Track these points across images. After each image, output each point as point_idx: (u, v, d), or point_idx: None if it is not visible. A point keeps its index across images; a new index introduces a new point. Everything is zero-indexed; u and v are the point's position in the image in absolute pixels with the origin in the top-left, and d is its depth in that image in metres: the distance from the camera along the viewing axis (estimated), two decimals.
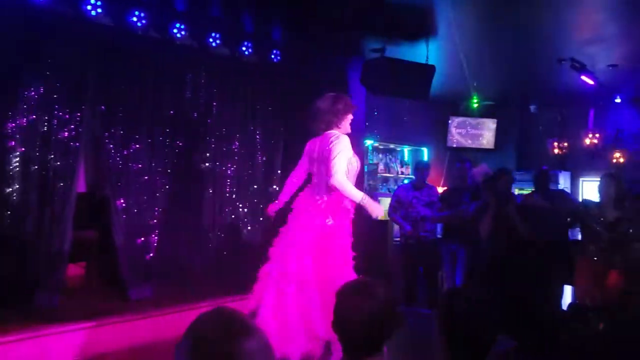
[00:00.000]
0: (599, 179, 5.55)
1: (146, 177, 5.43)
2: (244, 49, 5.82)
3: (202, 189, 5.95)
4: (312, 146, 4.25)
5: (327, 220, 3.97)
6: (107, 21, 4.89)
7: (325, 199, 4.02)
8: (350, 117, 4.15)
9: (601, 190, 5.36)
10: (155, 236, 5.46)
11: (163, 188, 5.61)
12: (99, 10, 4.72)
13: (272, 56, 6.09)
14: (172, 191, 5.69)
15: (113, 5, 4.85)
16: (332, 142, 3.98)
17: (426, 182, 6.42)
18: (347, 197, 3.97)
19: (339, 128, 4.11)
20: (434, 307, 5.40)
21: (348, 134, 4.12)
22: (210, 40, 5.53)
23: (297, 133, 6.55)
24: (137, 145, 5.33)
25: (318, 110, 4.10)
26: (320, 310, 3.80)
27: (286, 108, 6.52)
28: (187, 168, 5.81)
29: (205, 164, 5.95)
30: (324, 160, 4.01)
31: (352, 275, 3.90)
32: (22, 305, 4.47)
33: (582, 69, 6.57)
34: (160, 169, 5.58)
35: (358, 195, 3.95)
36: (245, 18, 5.71)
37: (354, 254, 4.06)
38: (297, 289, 3.89)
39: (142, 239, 5.35)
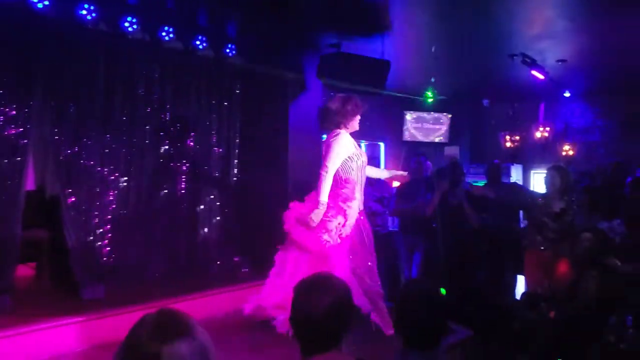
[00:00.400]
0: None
1: (98, 174, 5.30)
2: (197, 42, 5.72)
3: (156, 186, 5.83)
4: (324, 146, 4.54)
5: (329, 214, 4.22)
6: (55, 14, 4.72)
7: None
8: (358, 117, 4.43)
9: (547, 182, 5.51)
10: (108, 234, 5.34)
11: (116, 185, 5.48)
12: (47, 2, 4.56)
13: (227, 50, 6.03)
14: (126, 188, 5.57)
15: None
16: (330, 141, 4.27)
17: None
18: (345, 192, 4.27)
19: (347, 128, 4.38)
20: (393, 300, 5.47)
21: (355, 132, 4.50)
22: (163, 34, 5.42)
23: (253, 128, 6.53)
24: (89, 142, 5.19)
25: (328, 111, 4.34)
26: None
27: (242, 102, 6.47)
28: (141, 164, 5.69)
29: (159, 160, 5.84)
30: (323, 157, 4.31)
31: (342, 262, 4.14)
32: None
33: (533, 64, 6.74)
34: (113, 166, 5.45)
35: (321, 197, 4.18)
36: (200, 11, 5.62)
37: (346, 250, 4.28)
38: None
39: (95, 237, 5.22)
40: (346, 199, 4.28)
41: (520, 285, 6.53)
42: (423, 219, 5.97)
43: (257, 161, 6.51)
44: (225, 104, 6.37)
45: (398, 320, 2.23)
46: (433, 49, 6.38)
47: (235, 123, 6.48)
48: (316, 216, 4.18)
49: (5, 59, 4.56)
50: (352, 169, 4.34)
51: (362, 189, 4.50)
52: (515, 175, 9.68)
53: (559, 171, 5.48)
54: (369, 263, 4.36)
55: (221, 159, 6.35)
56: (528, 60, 6.68)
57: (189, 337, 1.23)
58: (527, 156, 9.84)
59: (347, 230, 4.26)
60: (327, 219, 4.21)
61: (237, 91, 6.46)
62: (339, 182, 4.32)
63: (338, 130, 4.33)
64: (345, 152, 4.28)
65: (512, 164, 9.58)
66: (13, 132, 4.61)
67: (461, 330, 4.43)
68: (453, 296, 5.41)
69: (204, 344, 1.25)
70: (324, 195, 4.19)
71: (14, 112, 4.61)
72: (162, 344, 1.19)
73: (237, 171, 6.46)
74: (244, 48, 6.17)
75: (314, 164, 6.80)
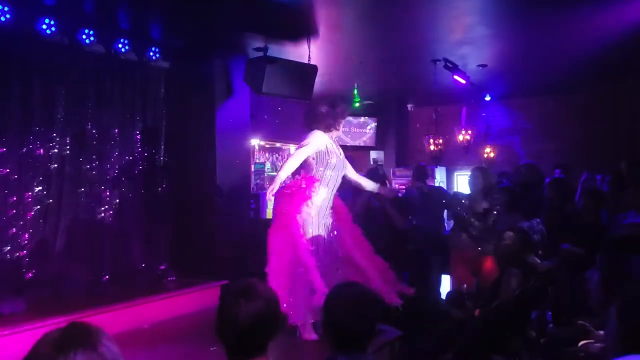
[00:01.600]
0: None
1: (15, 183, 5.05)
2: (120, 46, 5.59)
3: (78, 194, 5.61)
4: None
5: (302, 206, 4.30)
6: None
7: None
8: (344, 120, 4.63)
9: (470, 182, 5.71)
10: (27, 245, 5.10)
11: (34, 194, 5.24)
12: None
13: (151, 54, 5.91)
14: (45, 197, 5.33)
15: None
16: (306, 135, 4.45)
17: None
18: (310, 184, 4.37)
19: (337, 130, 4.56)
20: None
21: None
22: (83, 36, 5.25)
23: (179, 132, 6.41)
24: (4, 149, 4.95)
25: (318, 113, 4.48)
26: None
27: (167, 107, 6.35)
28: (61, 171, 5.46)
29: (80, 167, 5.62)
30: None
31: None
32: None
33: (455, 69, 6.95)
34: (30, 174, 5.21)
35: (281, 173, 4.31)
36: (121, 14, 5.47)
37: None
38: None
39: (13, 249, 4.98)
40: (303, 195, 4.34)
41: (446, 284, 6.72)
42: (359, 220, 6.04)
43: (183, 165, 6.39)
44: (150, 108, 6.23)
45: (325, 324, 2.24)
46: (360, 62, 6.49)
47: (160, 127, 6.35)
48: (269, 191, 4.25)
49: None
50: (319, 167, 4.41)
51: (333, 191, 4.52)
52: (440, 176, 9.97)
53: (482, 172, 5.69)
54: (338, 270, 4.39)
55: (146, 164, 6.20)
56: (450, 65, 6.89)
57: (88, 350, 1.19)
58: (450, 158, 10.15)
59: (307, 231, 4.29)
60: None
61: (162, 95, 6.34)
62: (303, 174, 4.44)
63: (317, 131, 4.46)
64: (318, 145, 4.39)
65: (436, 166, 9.86)
66: None
67: (389, 329, 4.51)
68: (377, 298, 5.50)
69: (108, 357, 1.21)
70: (282, 172, 4.30)
71: None
72: (57, 355, 1.16)
73: (163, 176, 6.32)
74: (169, 51, 6.07)
75: (241, 168, 6.79)
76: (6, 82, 4.98)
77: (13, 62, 5.03)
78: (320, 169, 4.41)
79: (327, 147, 4.45)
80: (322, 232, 4.40)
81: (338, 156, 4.52)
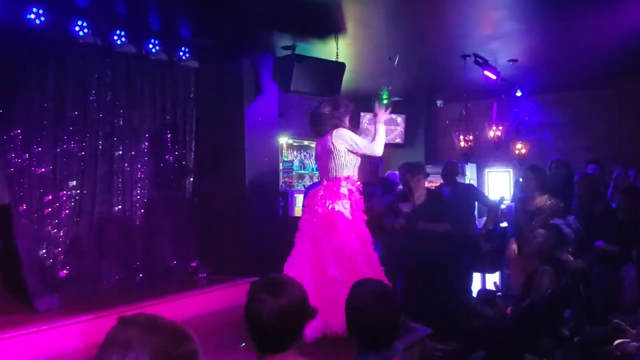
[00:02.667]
0: (505, 170, 5.79)
1: (50, 182, 5.17)
2: (150, 46, 5.67)
3: (110, 192, 5.72)
4: (316, 147, 4.74)
5: (327, 204, 4.33)
6: (2, 18, 4.60)
7: (325, 184, 4.47)
8: (349, 116, 4.61)
9: (523, 182, 5.55)
10: (62, 243, 5.21)
11: (68, 193, 5.36)
12: None
13: (181, 54, 5.98)
14: (79, 195, 5.44)
15: (9, 2, 4.59)
16: (332, 136, 4.43)
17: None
18: (344, 183, 4.42)
19: (346, 127, 4.56)
20: None
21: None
22: (115, 37, 5.34)
23: (209, 130, 6.47)
24: (39, 149, 5.07)
25: (323, 115, 4.53)
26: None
27: (197, 106, 6.41)
28: (94, 170, 5.57)
29: (113, 166, 5.72)
30: (326, 154, 4.46)
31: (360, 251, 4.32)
32: None
33: (485, 64, 6.87)
34: (65, 173, 5.32)
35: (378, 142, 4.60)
36: (152, 15, 5.55)
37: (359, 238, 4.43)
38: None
39: (48, 246, 5.10)
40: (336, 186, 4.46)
41: (477, 282, 6.67)
42: (378, 220, 6.02)
43: (213, 164, 6.45)
44: (180, 107, 6.30)
45: (350, 321, 2.24)
46: (396, 61, 6.46)
47: (191, 126, 6.42)
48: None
49: None
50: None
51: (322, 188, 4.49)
52: (470, 174, 9.86)
53: (534, 171, 5.51)
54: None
55: (177, 163, 6.28)
56: (480, 61, 6.81)
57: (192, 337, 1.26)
58: (481, 155, 10.02)
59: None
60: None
61: (192, 94, 6.41)
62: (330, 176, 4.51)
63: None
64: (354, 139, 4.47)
65: (467, 163, 9.75)
66: None
67: (419, 327, 4.49)
68: (411, 295, 5.48)
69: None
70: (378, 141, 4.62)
71: None
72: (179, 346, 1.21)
73: (193, 175, 6.40)
74: (198, 51, 6.13)
75: (270, 166, 6.82)
76: (41, 83, 5.09)
77: (48, 64, 5.14)
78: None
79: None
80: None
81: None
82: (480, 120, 9.80)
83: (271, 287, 1.91)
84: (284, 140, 8.48)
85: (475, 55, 6.76)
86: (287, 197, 7.66)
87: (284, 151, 8.63)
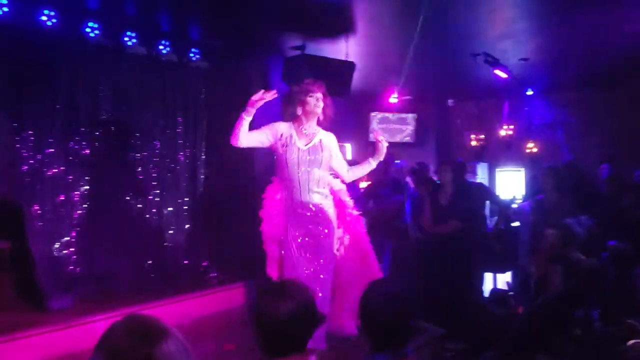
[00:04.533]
0: (516, 169, 5.78)
1: (62, 183, 5.21)
2: (161, 47, 5.71)
3: (123, 192, 5.76)
4: None
5: None
6: (14, 20, 4.65)
7: None
8: (310, 100, 4.20)
9: (541, 183, 5.56)
10: (74, 243, 5.26)
11: (81, 193, 5.40)
12: (6, 9, 4.50)
13: (191, 55, 6.01)
14: (92, 195, 5.49)
15: (21, 4, 4.64)
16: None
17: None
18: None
19: (304, 115, 4.23)
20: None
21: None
22: (126, 39, 5.38)
23: (219, 131, 6.48)
24: (52, 150, 5.11)
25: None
26: None
27: (208, 106, 6.43)
28: (106, 171, 5.61)
29: (125, 166, 5.77)
30: None
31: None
32: None
33: (496, 63, 6.84)
34: (77, 174, 5.37)
35: None
36: (162, 16, 5.58)
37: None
38: None
39: (61, 246, 5.14)
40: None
41: (488, 282, 6.64)
42: (390, 219, 6.01)
43: (223, 164, 6.47)
44: (191, 108, 6.33)
45: (363, 321, 2.24)
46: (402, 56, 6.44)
47: (202, 127, 6.44)
48: None
49: None
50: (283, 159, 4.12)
51: (303, 191, 4.09)
52: (481, 173, 9.82)
53: (550, 171, 5.50)
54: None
55: (187, 163, 6.30)
56: (490, 60, 6.78)
57: (170, 336, 1.22)
58: (492, 154, 9.99)
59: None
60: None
61: (202, 95, 6.43)
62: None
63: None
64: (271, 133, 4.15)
65: (478, 163, 9.72)
66: None
67: (431, 328, 4.48)
68: (422, 295, 5.47)
69: (183, 343, 1.25)
70: None
71: None
72: (150, 346, 1.18)
73: (204, 175, 6.42)
74: (208, 52, 6.15)
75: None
76: (53, 84, 5.13)
77: (59, 65, 5.18)
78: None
79: (293, 134, 4.12)
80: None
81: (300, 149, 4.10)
82: (492, 120, 9.78)
83: (279, 291, 1.91)
84: None
85: (486, 54, 6.73)
86: None
87: None
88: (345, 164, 4.35)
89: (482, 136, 9.79)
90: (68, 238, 5.24)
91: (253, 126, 4.14)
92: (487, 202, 6.88)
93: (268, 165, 6.48)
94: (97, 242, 5.50)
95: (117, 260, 5.62)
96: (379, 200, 6.20)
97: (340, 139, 9.10)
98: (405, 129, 9.85)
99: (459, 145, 10.24)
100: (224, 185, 6.42)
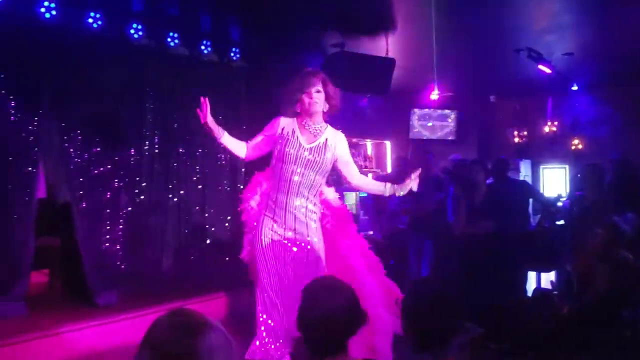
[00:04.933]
0: (561, 166, 5.67)
1: (109, 181, 5.35)
2: (202, 47, 5.78)
3: (167, 191, 5.87)
4: None
5: None
6: (62, 23, 4.80)
7: None
8: (302, 96, 3.85)
9: (582, 180, 5.47)
10: (120, 240, 5.39)
11: (127, 191, 5.53)
12: (54, 12, 4.65)
13: (232, 54, 6.07)
14: (137, 194, 5.62)
15: (68, 7, 4.78)
16: None
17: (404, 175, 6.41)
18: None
19: (300, 110, 3.93)
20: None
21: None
22: (169, 39, 5.48)
23: (259, 130, 6.53)
24: (98, 149, 5.25)
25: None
26: None
27: (248, 106, 6.49)
28: (151, 170, 5.73)
29: (169, 166, 5.88)
30: None
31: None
32: None
33: (539, 58, 6.71)
34: (122, 172, 5.50)
35: None
36: (203, 17, 5.66)
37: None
38: None
39: (107, 243, 5.28)
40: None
41: (532, 281, 6.52)
42: (430, 218, 5.96)
43: (263, 163, 6.51)
44: (232, 107, 6.39)
45: (407, 320, 2.23)
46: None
47: (242, 126, 6.50)
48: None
49: (14, 68, 4.63)
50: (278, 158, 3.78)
51: (291, 192, 3.73)
52: (525, 170, 9.63)
53: (591, 169, 5.40)
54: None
55: (229, 162, 6.38)
56: (534, 55, 6.65)
57: (212, 332, 1.26)
58: (536, 151, 9.79)
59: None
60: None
61: (243, 94, 6.49)
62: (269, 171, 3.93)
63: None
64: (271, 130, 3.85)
65: (521, 160, 9.54)
66: (24, 141, 4.69)
67: (472, 328, 4.42)
68: (464, 294, 5.40)
69: (227, 337, 1.29)
70: None
71: (25, 120, 4.69)
72: (194, 338, 1.21)
73: (244, 174, 6.48)
74: (248, 51, 6.20)
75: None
76: (98, 86, 5.25)
77: (104, 66, 5.30)
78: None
79: (294, 131, 3.79)
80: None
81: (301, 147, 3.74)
82: (535, 116, 9.59)
83: (327, 288, 1.92)
84: None
85: (529, 49, 6.60)
86: None
87: None
88: (354, 167, 4.00)
89: (525, 133, 9.60)
90: (114, 235, 5.37)
91: None
92: (531, 200, 6.76)
93: None
94: (141, 240, 5.63)
95: (161, 257, 5.74)
96: (418, 198, 6.15)
97: (380, 136, 9.11)
98: (446, 126, 9.73)
99: (501, 142, 10.06)
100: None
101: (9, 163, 4.61)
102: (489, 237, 5.54)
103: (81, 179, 5.12)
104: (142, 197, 5.65)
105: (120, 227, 5.42)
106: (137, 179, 5.62)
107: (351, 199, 6.70)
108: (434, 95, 8.48)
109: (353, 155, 8.68)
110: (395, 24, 5.81)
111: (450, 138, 9.79)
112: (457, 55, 7.17)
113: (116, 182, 5.43)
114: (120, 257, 5.37)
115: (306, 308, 1.92)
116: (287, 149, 3.67)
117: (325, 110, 3.78)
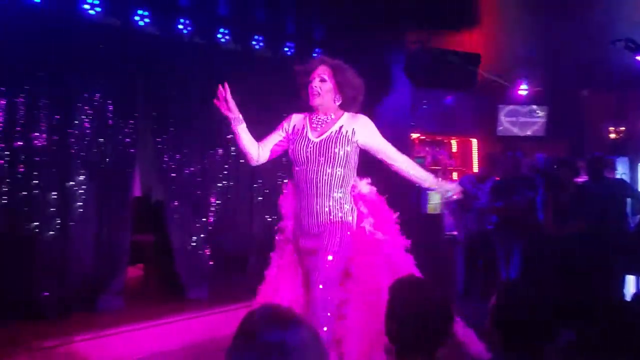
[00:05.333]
0: None
1: (199, 179, 5.55)
2: (286, 49, 5.88)
3: (252, 190, 6.02)
4: None
5: None
6: (154, 30, 5.04)
7: None
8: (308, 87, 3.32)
9: None
10: (209, 237, 5.57)
11: (215, 190, 5.71)
12: (147, 20, 4.89)
13: (314, 55, 6.13)
14: (224, 193, 5.79)
15: (160, 15, 5.02)
16: None
17: (492, 174, 6.27)
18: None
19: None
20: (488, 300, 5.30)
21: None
22: (254, 43, 5.62)
23: None
24: (188, 149, 5.46)
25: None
26: None
27: None
28: (237, 169, 5.89)
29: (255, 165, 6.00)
30: None
31: None
32: (87, 307, 4.70)
33: (638, 49, 6.33)
34: (212, 171, 5.69)
35: None
36: (287, 19, 5.76)
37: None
38: None
39: (198, 240, 5.47)
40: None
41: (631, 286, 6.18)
42: (520, 218, 5.77)
43: None
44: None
45: (497, 323, 2.17)
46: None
47: None
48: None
49: (112, 74, 4.92)
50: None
51: (313, 199, 3.14)
52: (621, 168, 9.11)
53: None
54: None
55: None
56: (632, 46, 6.28)
57: (302, 324, 1.30)
58: (634, 148, 9.23)
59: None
60: None
61: None
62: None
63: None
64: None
65: (618, 157, 9.03)
66: (121, 142, 4.98)
67: (565, 331, 4.24)
68: (558, 297, 5.19)
69: (315, 332, 1.32)
70: None
71: (122, 124, 4.98)
72: (283, 331, 1.25)
73: None
74: (330, 51, 6.22)
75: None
76: (187, 89, 5.45)
77: (193, 70, 5.48)
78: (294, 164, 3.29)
79: (303, 125, 3.33)
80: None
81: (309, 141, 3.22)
82: (633, 111, 9.04)
83: (422, 283, 1.90)
84: (416, 135, 8.39)
85: (627, 40, 6.24)
86: (419, 194, 7.57)
87: (416, 147, 8.53)
88: (390, 148, 3.32)
89: (622, 128, 9.07)
90: (203, 232, 5.56)
91: None
92: (629, 200, 6.39)
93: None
94: (230, 236, 5.80)
95: (247, 254, 5.89)
96: (508, 196, 5.96)
97: (466, 133, 8.89)
98: (535, 122, 9.36)
99: (594, 138, 9.56)
100: None
101: (107, 164, 4.89)
102: (582, 238, 5.30)
103: (173, 179, 5.34)
104: (228, 195, 5.82)
105: (209, 224, 5.61)
106: (225, 178, 5.79)
107: (436, 198, 6.58)
108: (523, 90, 8.20)
109: (437, 153, 8.63)
110: (481, 18, 5.67)
111: (540, 135, 9.42)
112: (546, 48, 6.89)
113: (205, 181, 5.62)
114: (209, 253, 5.55)
115: (396, 307, 1.89)
116: (295, 147, 3.22)
117: (338, 103, 3.22)
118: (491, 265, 6.26)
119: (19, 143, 4.47)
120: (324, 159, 3.12)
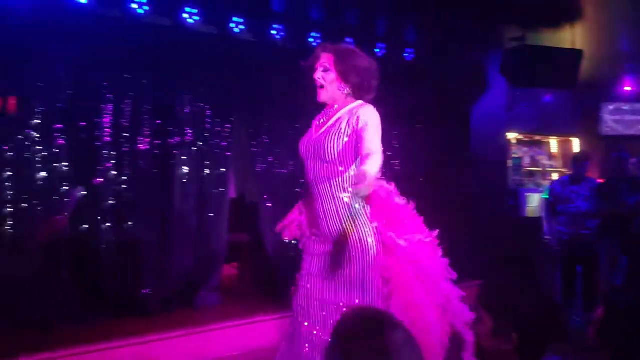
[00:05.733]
0: None
1: (289, 181, 5.65)
2: (377, 50, 5.86)
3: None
4: None
5: None
6: (249, 37, 5.19)
7: None
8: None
9: None
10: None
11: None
12: (242, 27, 5.06)
13: (406, 55, 6.06)
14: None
15: (255, 23, 5.17)
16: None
17: (585, 175, 5.95)
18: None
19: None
20: (590, 310, 5.04)
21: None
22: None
23: (438, 132, 6.43)
24: (281, 151, 5.58)
25: None
26: None
27: (423, 107, 6.43)
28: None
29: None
30: None
31: None
32: (186, 303, 4.94)
33: None
34: (300, 173, 5.76)
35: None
36: (379, 21, 5.74)
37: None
38: None
39: (290, 240, 5.56)
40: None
41: None
42: (625, 222, 5.43)
43: (434, 163, 6.40)
44: (407, 109, 6.37)
45: (605, 332, 2.06)
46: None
47: (419, 128, 6.45)
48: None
49: (209, 80, 5.13)
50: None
51: (317, 200, 2.93)
52: None
53: None
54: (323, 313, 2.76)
55: (405, 164, 6.36)
56: None
57: (398, 328, 1.31)
58: None
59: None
60: None
61: (418, 95, 6.43)
62: None
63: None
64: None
65: None
66: (218, 146, 5.19)
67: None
68: None
69: (410, 334, 1.33)
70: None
71: (219, 127, 5.20)
72: (383, 335, 1.28)
73: (421, 176, 6.41)
74: (423, 51, 6.14)
75: (497, 164, 6.54)
76: (280, 96, 5.55)
77: (284, 75, 5.48)
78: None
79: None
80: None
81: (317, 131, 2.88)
82: None
83: (527, 290, 1.82)
84: (512, 135, 8.11)
85: None
86: (517, 197, 7.31)
87: (513, 147, 8.24)
88: (366, 144, 2.63)
89: None
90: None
91: None
92: None
93: (485, 164, 6.26)
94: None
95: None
96: (611, 200, 5.64)
97: (566, 132, 8.49)
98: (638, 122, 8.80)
99: None
100: (435, 185, 6.33)
101: (206, 166, 5.12)
102: None
103: (267, 180, 5.49)
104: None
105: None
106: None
107: (534, 201, 6.34)
108: (628, 87, 7.74)
109: (536, 154, 8.30)
110: (582, 14, 5.40)
111: None
112: None
113: (296, 182, 5.72)
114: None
115: (505, 306, 1.82)
116: (300, 146, 2.94)
117: (346, 92, 2.82)
118: (589, 273, 5.89)
119: (125, 149, 4.75)
120: (321, 155, 2.76)
